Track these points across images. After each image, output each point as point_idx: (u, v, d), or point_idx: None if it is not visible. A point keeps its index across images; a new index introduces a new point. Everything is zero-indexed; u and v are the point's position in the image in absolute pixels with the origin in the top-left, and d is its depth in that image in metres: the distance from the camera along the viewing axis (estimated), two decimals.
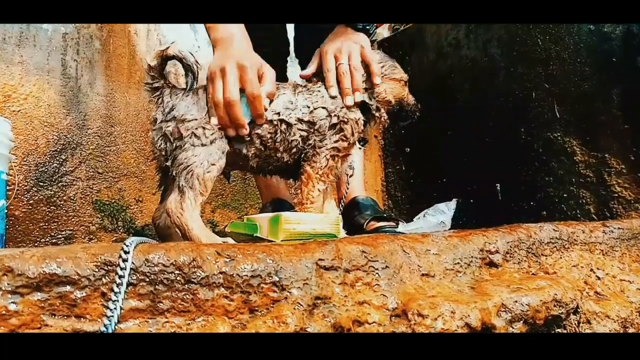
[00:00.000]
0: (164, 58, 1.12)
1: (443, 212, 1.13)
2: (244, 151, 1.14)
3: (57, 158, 1.97)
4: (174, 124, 1.07)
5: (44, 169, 1.94)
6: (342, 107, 1.23)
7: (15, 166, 1.84)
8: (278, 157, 1.17)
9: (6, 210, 1.71)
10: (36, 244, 1.91)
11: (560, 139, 1.96)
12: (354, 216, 1.51)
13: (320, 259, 0.77)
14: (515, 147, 2.08)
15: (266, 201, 1.72)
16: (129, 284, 0.66)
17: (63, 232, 1.96)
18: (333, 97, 1.22)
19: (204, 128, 1.08)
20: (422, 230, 1.14)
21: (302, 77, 1.31)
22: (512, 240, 0.94)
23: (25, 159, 1.91)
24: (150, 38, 2.20)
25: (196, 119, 1.09)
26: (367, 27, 1.39)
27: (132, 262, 0.66)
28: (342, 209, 1.45)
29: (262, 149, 1.15)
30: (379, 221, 1.44)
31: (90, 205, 2.03)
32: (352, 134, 1.21)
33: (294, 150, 1.17)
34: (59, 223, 1.96)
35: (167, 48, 1.12)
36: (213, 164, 1.05)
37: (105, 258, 0.66)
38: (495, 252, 0.91)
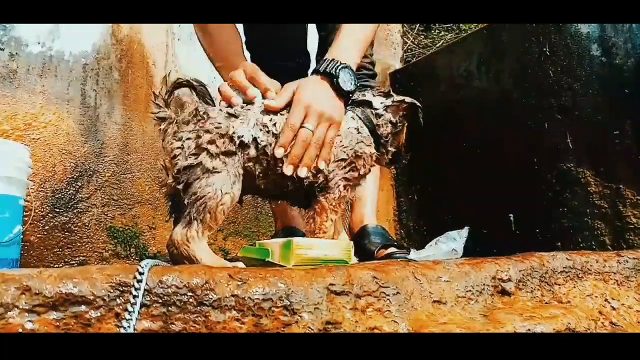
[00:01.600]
0: (172, 85, 1.11)
1: (455, 240, 1.13)
2: (251, 169, 1.12)
3: (74, 185, 2.02)
4: (193, 138, 1.06)
5: (60, 195, 1.98)
6: (358, 142, 1.20)
7: (32, 192, 1.88)
8: (284, 181, 1.15)
9: (22, 236, 1.74)
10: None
11: (574, 170, 1.96)
12: (364, 244, 1.52)
13: (331, 284, 0.78)
14: (529, 177, 2.07)
15: (279, 228, 1.73)
16: (142, 305, 0.67)
17: (76, 258, 1.99)
18: (277, 157, 1.11)
19: (217, 141, 1.06)
20: (433, 257, 1.14)
21: (266, 107, 1.16)
22: (524, 269, 0.94)
23: (42, 186, 1.95)
24: (168, 69, 2.27)
25: (210, 132, 1.07)
26: (351, 95, 1.24)
27: (146, 284, 0.68)
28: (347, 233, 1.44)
29: (269, 170, 1.13)
30: (389, 248, 1.44)
31: (104, 231, 2.06)
32: (364, 166, 1.21)
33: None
34: (73, 249, 1.99)
35: (176, 79, 1.11)
36: (227, 193, 1.03)
37: (120, 279, 0.68)
38: (507, 280, 0.90)
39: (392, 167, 1.40)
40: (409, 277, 0.84)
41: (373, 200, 1.69)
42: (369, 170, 1.25)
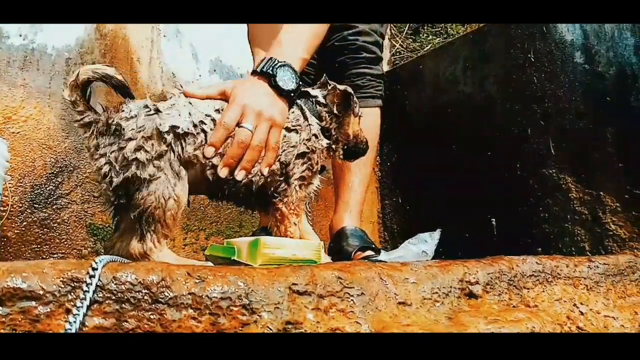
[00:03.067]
0: (81, 87, 1.02)
1: (426, 242, 1.12)
2: (196, 173, 1.06)
3: (54, 180, 1.99)
4: (116, 150, 1.00)
5: (39, 191, 1.95)
6: (312, 135, 1.18)
7: (10, 187, 1.85)
8: (233, 181, 1.08)
9: None
10: None
11: (556, 176, 1.96)
12: (341, 246, 1.50)
13: (293, 284, 0.76)
14: (511, 182, 2.07)
15: (259, 226, 1.71)
16: (95, 302, 0.65)
17: (55, 255, 1.96)
18: (207, 157, 1.04)
19: (145, 145, 0.99)
20: (403, 259, 1.13)
21: (186, 94, 1.10)
22: (493, 272, 0.93)
23: (21, 180, 1.92)
24: (152, 66, 2.25)
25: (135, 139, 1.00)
26: (292, 94, 1.16)
27: (100, 280, 0.66)
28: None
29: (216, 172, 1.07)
30: (366, 251, 1.42)
31: (83, 228, 2.03)
32: (317, 163, 1.18)
33: (254, 177, 1.11)
34: (52, 246, 1.96)
35: (77, 75, 1.00)
36: (170, 198, 0.99)
37: (73, 274, 0.66)
38: (475, 283, 0.89)
39: (352, 160, 1.36)
40: (374, 278, 0.82)
41: (357, 203, 1.66)
42: (322, 166, 1.21)
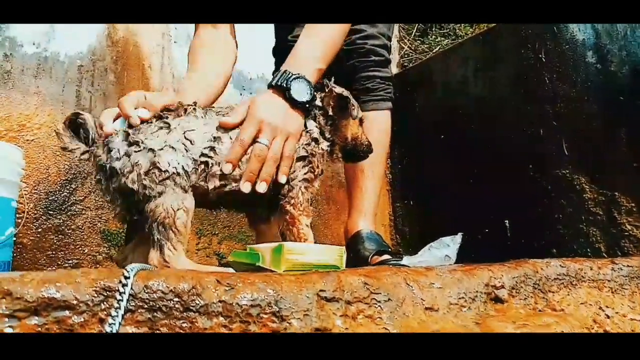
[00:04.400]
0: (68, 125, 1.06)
1: (448, 246, 1.11)
2: (203, 184, 1.08)
3: (68, 187, 1.99)
4: (118, 180, 1.02)
5: (54, 197, 1.96)
6: (312, 139, 1.19)
7: (25, 194, 1.86)
8: (243, 195, 1.10)
9: (14, 238, 1.72)
10: None
11: (569, 177, 1.95)
12: (358, 250, 1.50)
13: (321, 290, 0.76)
14: (524, 184, 2.06)
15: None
16: (127, 311, 0.65)
17: (70, 262, 1.96)
18: (224, 173, 1.07)
19: (149, 175, 1.01)
20: (426, 263, 1.12)
21: (222, 125, 1.11)
22: (518, 276, 0.92)
23: (36, 187, 1.93)
24: (164, 72, 2.26)
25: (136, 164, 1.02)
26: (307, 105, 1.18)
27: (132, 288, 0.66)
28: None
29: (227, 180, 1.09)
30: (383, 255, 1.42)
31: (97, 234, 2.03)
32: (318, 166, 1.19)
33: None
34: (66, 252, 1.97)
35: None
36: (179, 209, 1.01)
37: (105, 283, 0.66)
38: (500, 287, 0.89)
39: (355, 162, 1.36)
40: (400, 284, 0.82)
41: (370, 206, 1.66)
42: (322, 170, 1.22)
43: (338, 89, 1.25)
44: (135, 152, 1.02)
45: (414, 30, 2.83)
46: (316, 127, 1.22)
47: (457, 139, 2.33)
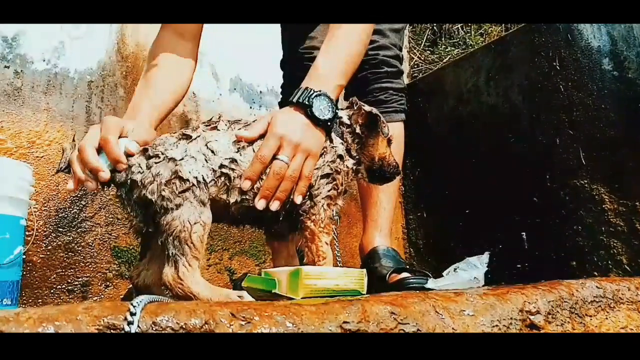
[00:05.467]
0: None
1: (476, 267, 1.03)
2: (224, 197, 1.04)
3: (77, 204, 1.93)
4: (137, 191, 1.00)
5: (63, 214, 1.90)
6: (337, 156, 1.14)
7: (35, 212, 1.80)
8: (264, 214, 1.07)
9: (24, 256, 1.66)
10: (52, 291, 1.85)
11: (588, 187, 1.87)
12: (375, 267, 1.42)
13: (345, 322, 0.69)
14: (540, 194, 1.98)
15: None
16: None
17: (80, 279, 1.90)
18: (244, 190, 1.04)
19: (169, 186, 0.98)
20: (453, 286, 1.04)
21: (239, 138, 1.07)
22: (553, 300, 0.84)
23: (46, 204, 1.87)
24: None
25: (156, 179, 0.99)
26: (329, 123, 1.13)
27: (138, 326, 0.59)
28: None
29: (248, 194, 1.05)
30: (402, 273, 1.34)
31: (108, 251, 1.97)
32: (342, 184, 1.14)
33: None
34: (76, 269, 1.90)
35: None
36: (196, 222, 0.97)
37: (109, 321, 0.59)
38: (536, 313, 0.81)
39: (379, 184, 1.29)
40: (429, 312, 0.74)
41: (386, 221, 1.59)
42: (346, 188, 1.17)
43: (367, 107, 1.20)
44: (156, 163, 1.00)
45: (424, 41, 2.77)
46: (342, 144, 1.17)
47: (470, 149, 2.26)
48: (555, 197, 1.95)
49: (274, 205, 1.05)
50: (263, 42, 2.11)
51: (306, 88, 1.14)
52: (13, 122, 1.85)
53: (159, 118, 1.28)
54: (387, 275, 1.35)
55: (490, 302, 0.80)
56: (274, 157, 1.06)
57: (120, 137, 1.07)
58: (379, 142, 1.20)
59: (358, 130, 1.18)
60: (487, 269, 1.05)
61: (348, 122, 1.19)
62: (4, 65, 1.86)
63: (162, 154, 1.01)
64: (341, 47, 1.24)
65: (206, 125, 1.10)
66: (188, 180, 0.98)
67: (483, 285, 1.04)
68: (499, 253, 2.06)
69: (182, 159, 1.00)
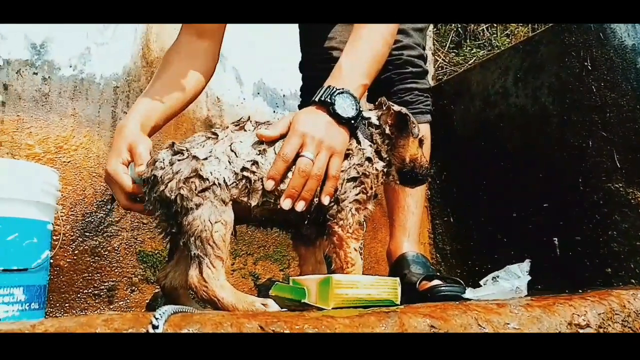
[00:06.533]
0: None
1: (517, 276, 0.96)
2: (246, 200, 1.00)
3: (103, 208, 1.92)
4: (158, 188, 0.98)
5: (90, 219, 1.89)
6: (365, 159, 1.08)
7: (62, 216, 1.79)
8: (286, 212, 1.03)
9: (51, 261, 1.64)
10: (78, 295, 1.83)
11: (623, 190, 1.77)
12: (404, 274, 1.35)
13: None
14: (574, 199, 1.89)
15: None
16: None
17: (106, 284, 1.88)
18: (267, 190, 1.00)
19: (188, 184, 0.96)
20: (494, 296, 0.97)
21: (259, 137, 1.04)
22: (604, 312, 0.77)
23: (72, 209, 1.86)
24: None
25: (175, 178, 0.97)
26: (352, 121, 1.08)
27: None
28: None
29: (270, 197, 1.02)
30: (433, 280, 1.27)
31: (133, 256, 1.95)
32: (372, 188, 1.09)
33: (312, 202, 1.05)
34: (102, 274, 1.89)
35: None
36: (217, 222, 0.94)
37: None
38: (585, 326, 0.74)
39: (411, 186, 1.23)
40: (471, 325, 0.68)
41: (414, 226, 1.52)
42: (377, 192, 1.12)
43: (396, 107, 1.14)
44: (179, 160, 0.98)
45: (448, 42, 2.70)
46: (370, 146, 1.11)
47: (498, 152, 2.17)
48: (588, 201, 1.85)
49: (300, 206, 1.00)
50: (286, 45, 2.06)
51: (329, 86, 1.10)
52: (41, 127, 1.85)
53: (171, 107, 1.29)
54: (417, 283, 1.28)
55: (536, 314, 0.73)
56: (298, 155, 1.02)
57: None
58: (409, 143, 1.14)
59: (387, 131, 1.13)
60: (529, 277, 0.97)
61: (377, 122, 1.14)
62: (33, 71, 1.86)
63: (187, 150, 0.99)
64: (365, 47, 1.20)
65: (235, 126, 1.07)
66: (208, 179, 0.95)
67: (526, 295, 0.97)
68: (529, 259, 1.97)
69: (206, 158, 0.97)
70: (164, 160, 0.99)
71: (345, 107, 1.07)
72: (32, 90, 1.85)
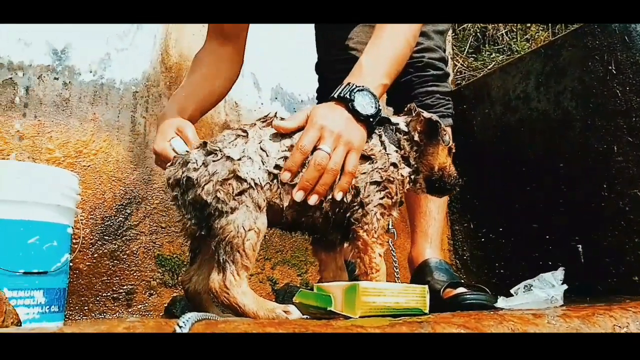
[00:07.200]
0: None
1: (552, 285, 0.91)
2: (278, 202, 0.98)
3: (123, 212, 1.91)
4: (193, 191, 0.95)
5: (109, 222, 1.88)
6: (390, 165, 1.05)
7: (82, 220, 1.78)
8: (310, 211, 1.01)
9: (71, 264, 1.64)
10: (97, 298, 1.82)
11: None
12: (427, 282, 1.31)
13: None
14: (598, 205, 1.83)
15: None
16: None
17: (124, 287, 1.87)
18: (282, 184, 0.98)
19: (225, 186, 0.93)
20: (528, 306, 0.92)
21: (276, 128, 1.03)
22: None
23: (92, 213, 1.86)
24: None
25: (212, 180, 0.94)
26: (371, 119, 1.06)
27: None
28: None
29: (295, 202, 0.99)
30: (457, 288, 1.23)
31: (152, 259, 1.94)
32: (397, 193, 1.05)
33: (332, 204, 1.02)
34: (121, 277, 1.88)
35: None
36: (250, 229, 0.91)
37: None
38: None
39: (437, 195, 1.20)
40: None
41: (437, 232, 1.47)
42: (402, 199, 1.09)
43: (426, 114, 1.11)
44: (214, 161, 0.95)
45: (467, 47, 2.65)
46: (396, 151, 1.08)
47: (519, 157, 2.11)
48: (613, 208, 1.79)
49: (313, 199, 0.98)
50: (304, 51, 2.04)
51: (348, 83, 1.08)
52: (61, 132, 1.85)
53: (197, 109, 1.34)
54: (441, 290, 1.24)
55: (574, 325, 0.68)
56: (315, 148, 1.00)
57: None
58: (439, 151, 1.11)
59: (417, 138, 1.09)
60: (565, 286, 0.93)
61: (406, 129, 1.11)
62: (54, 77, 1.87)
63: (220, 151, 0.96)
64: (387, 46, 1.17)
65: (262, 122, 1.05)
66: (245, 180, 0.93)
67: (561, 305, 0.92)
68: (552, 267, 1.92)
69: (240, 159, 0.95)
70: (196, 161, 0.96)
71: (364, 105, 1.05)
72: (53, 95, 1.86)
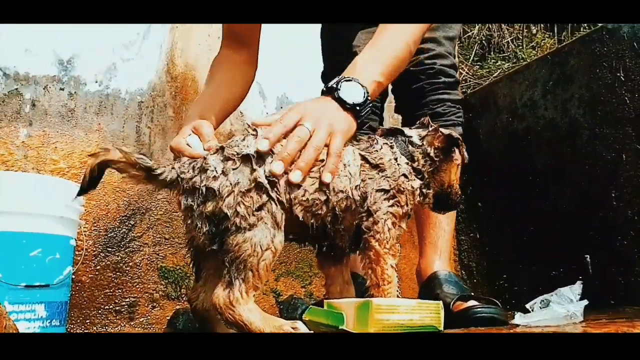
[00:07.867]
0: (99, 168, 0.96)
1: (570, 300, 0.88)
2: (292, 218, 0.95)
3: (126, 223, 1.89)
4: (213, 203, 0.89)
5: (112, 234, 1.86)
6: (400, 175, 1.02)
7: (85, 231, 1.75)
8: (324, 214, 0.97)
9: (73, 276, 1.61)
10: (100, 311, 1.79)
11: None
12: (436, 295, 1.27)
13: None
14: (606, 214, 1.79)
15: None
16: None
17: (127, 300, 1.84)
18: (260, 151, 0.91)
19: (247, 199, 0.88)
20: (546, 322, 0.89)
21: (253, 124, 0.99)
22: None
23: (95, 224, 1.83)
24: None
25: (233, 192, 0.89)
26: (358, 107, 1.03)
27: None
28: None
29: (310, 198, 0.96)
30: (468, 301, 1.19)
31: (155, 271, 1.91)
32: (407, 203, 1.02)
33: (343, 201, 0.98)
34: (124, 290, 1.85)
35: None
36: (267, 249, 0.87)
37: None
38: None
39: (440, 212, 1.17)
40: None
41: (446, 243, 1.44)
42: (411, 210, 1.05)
43: (445, 130, 1.08)
44: (234, 169, 0.90)
45: (472, 55, 2.63)
46: (407, 163, 1.05)
47: (526, 166, 2.08)
48: (622, 217, 1.75)
49: (295, 176, 0.92)
50: (309, 59, 2.03)
51: (339, 77, 1.07)
52: (66, 142, 1.83)
53: (218, 116, 1.34)
54: (451, 304, 1.20)
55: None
56: (297, 125, 0.98)
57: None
58: (451, 168, 1.09)
59: (432, 153, 1.07)
60: (585, 301, 0.89)
61: (419, 142, 1.08)
62: (59, 87, 1.86)
63: (237, 154, 0.91)
64: (384, 47, 1.15)
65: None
66: (266, 189, 0.88)
67: (581, 322, 0.89)
68: (559, 278, 1.88)
69: (255, 153, 0.92)
70: (215, 168, 0.90)
71: (350, 93, 1.03)
72: (59, 105, 1.84)
